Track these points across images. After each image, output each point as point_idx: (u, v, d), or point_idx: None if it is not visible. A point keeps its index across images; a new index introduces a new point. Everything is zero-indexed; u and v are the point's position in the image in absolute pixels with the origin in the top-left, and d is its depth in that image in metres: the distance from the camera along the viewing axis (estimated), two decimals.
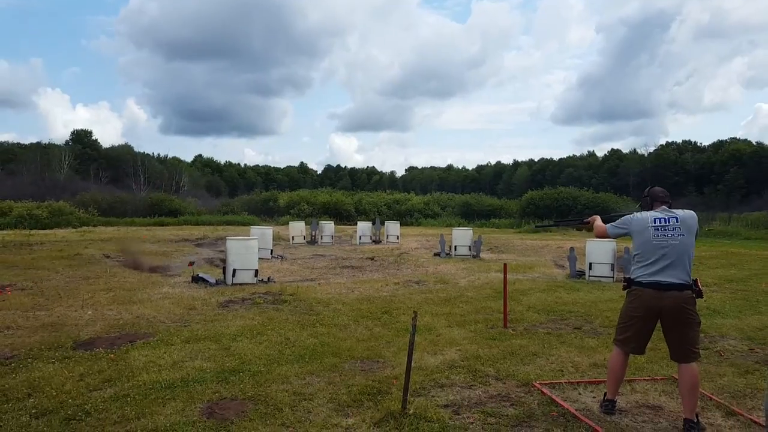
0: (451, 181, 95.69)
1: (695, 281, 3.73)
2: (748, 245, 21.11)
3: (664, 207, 3.87)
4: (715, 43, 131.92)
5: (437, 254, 16.33)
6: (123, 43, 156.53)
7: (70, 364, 5.04)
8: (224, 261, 10.57)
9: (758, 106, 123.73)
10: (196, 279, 10.23)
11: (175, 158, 79.58)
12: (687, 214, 3.77)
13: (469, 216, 37.07)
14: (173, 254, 15.46)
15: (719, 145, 74.82)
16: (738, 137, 76.89)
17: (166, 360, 5.21)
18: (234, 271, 10.03)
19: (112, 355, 5.34)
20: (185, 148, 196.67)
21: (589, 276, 11.21)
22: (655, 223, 3.78)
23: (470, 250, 16.06)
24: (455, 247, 16.18)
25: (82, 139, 68.99)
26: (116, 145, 72.75)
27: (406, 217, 35.78)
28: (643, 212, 3.94)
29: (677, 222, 3.73)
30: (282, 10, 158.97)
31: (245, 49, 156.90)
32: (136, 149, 71.17)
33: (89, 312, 7.42)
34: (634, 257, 3.88)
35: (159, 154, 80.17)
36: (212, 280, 10.11)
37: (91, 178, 55.57)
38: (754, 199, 49.13)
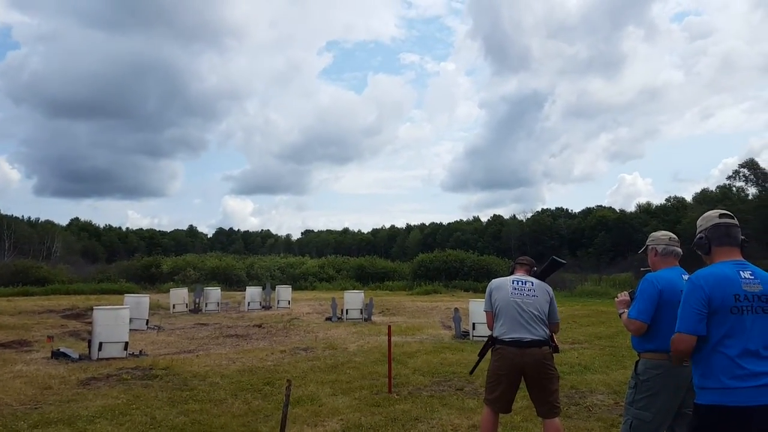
0: (347, 244, 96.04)
1: (551, 337, 4.02)
2: None
3: (523, 272, 4.22)
4: (583, 121, 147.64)
5: (329, 318, 16.05)
6: None
7: None
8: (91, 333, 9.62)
9: (621, 177, 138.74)
10: (57, 354, 9.18)
11: (48, 222, 73.07)
12: (542, 283, 4.15)
13: (363, 279, 37.15)
14: (34, 327, 13.83)
15: (588, 212, 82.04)
16: (604, 205, 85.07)
17: None
18: (100, 344, 9.13)
19: None
20: (61, 211, 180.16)
21: (473, 336, 11.53)
22: (513, 284, 4.11)
23: (362, 313, 15.99)
24: (347, 310, 16.04)
25: None
26: None
27: (300, 281, 35.09)
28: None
29: (533, 285, 4.08)
30: (177, 72, 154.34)
31: (135, 109, 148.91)
32: (3, 212, 64.21)
33: None
34: (496, 316, 4.07)
35: (30, 218, 73.35)
36: (75, 356, 9.12)
37: None
38: (620, 262, 53.92)
